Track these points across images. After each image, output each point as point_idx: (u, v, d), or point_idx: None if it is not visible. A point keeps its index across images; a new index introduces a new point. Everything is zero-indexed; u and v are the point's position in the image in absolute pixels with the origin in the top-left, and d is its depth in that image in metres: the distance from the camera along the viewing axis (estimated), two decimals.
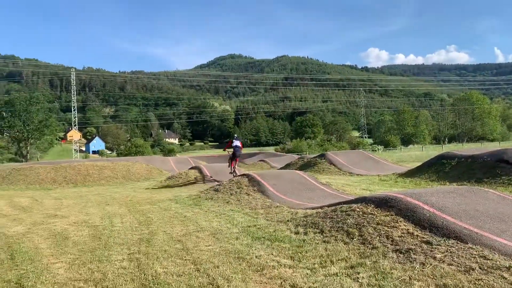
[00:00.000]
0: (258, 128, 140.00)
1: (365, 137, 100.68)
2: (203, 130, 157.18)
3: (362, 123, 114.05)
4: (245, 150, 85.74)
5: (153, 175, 21.74)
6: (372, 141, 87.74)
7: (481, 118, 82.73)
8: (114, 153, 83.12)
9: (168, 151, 64.09)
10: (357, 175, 16.95)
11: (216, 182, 14.16)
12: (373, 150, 49.85)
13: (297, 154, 41.35)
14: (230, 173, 15.69)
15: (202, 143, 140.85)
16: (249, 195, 10.21)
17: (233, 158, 15.84)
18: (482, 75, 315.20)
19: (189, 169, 18.48)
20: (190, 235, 6.66)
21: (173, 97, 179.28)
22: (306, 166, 21.19)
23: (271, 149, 70.34)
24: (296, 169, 19.75)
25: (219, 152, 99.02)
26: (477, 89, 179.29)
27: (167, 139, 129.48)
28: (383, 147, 58.10)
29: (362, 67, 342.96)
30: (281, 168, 23.06)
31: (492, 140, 74.45)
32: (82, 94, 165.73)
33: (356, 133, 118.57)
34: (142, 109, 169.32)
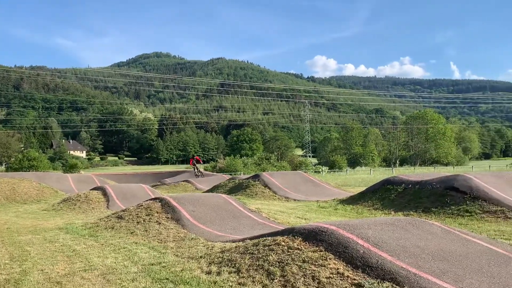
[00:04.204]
0: (186, 141, 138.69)
1: (309, 156, 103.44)
2: (118, 142, 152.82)
3: (306, 140, 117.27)
4: (168, 168, 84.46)
5: (45, 196, 20.64)
6: (316, 161, 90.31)
7: (435, 139, 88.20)
8: (3, 167, 77.86)
9: (70, 167, 61.08)
10: (294, 200, 17.15)
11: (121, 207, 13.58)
12: (316, 172, 51.15)
13: (230, 174, 41.29)
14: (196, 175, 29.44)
15: (116, 158, 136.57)
16: (160, 224, 9.84)
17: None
18: (438, 92, 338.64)
19: (90, 190, 17.64)
20: (74, 275, 6.22)
21: (81, 100, 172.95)
22: (237, 188, 21.13)
23: (200, 168, 69.67)
24: (224, 192, 19.61)
25: (137, 169, 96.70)
26: (432, 107, 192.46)
27: (71, 152, 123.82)
28: (327, 168, 59.84)
29: (308, 77, 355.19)
30: (207, 191, 22.79)
31: (447, 164, 79.47)
32: None
33: (299, 151, 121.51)
34: (42, 113, 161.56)
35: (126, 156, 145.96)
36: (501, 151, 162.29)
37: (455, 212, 11.13)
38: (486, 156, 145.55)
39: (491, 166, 59.10)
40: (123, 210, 11.67)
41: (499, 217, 10.32)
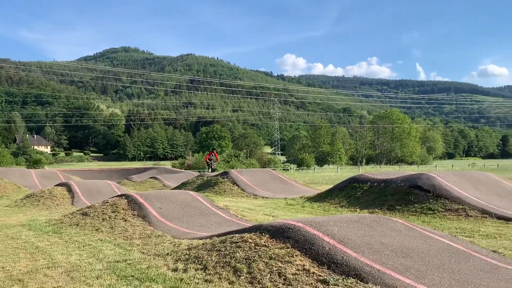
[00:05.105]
0: (154, 138, 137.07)
1: (278, 154, 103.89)
2: (83, 138, 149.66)
3: (275, 138, 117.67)
4: (135, 164, 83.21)
5: (7, 192, 20.02)
6: (285, 159, 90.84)
7: (400, 138, 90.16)
8: None
9: (34, 162, 59.45)
10: (262, 197, 17.21)
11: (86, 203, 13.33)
12: (284, 169, 51.46)
13: (198, 171, 41.07)
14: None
15: (82, 154, 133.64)
16: (126, 221, 9.70)
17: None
18: (404, 92, 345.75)
19: (55, 186, 17.24)
20: (37, 272, 6.07)
21: (47, 94, 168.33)
22: (205, 185, 21.05)
23: (168, 164, 69.19)
24: (193, 189, 19.51)
25: (104, 165, 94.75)
26: (398, 107, 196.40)
27: (35, 147, 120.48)
28: (296, 166, 60.27)
29: (278, 75, 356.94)
30: (175, 188, 22.62)
31: (411, 163, 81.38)
32: None
33: (268, 149, 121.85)
34: (5, 107, 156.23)
35: (92, 152, 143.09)
36: (463, 151, 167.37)
37: (418, 210, 11.39)
38: (450, 155, 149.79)
39: (454, 166, 60.80)
40: (89, 207, 11.46)
41: (461, 215, 10.62)
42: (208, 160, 27.39)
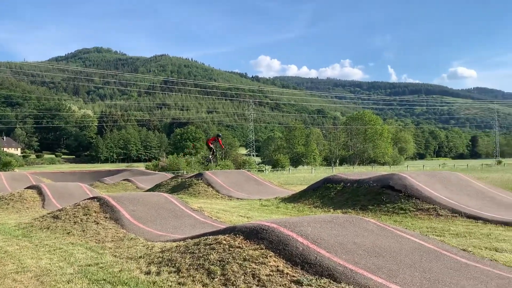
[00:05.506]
0: (127, 139, 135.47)
1: (253, 155, 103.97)
2: (55, 139, 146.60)
3: (250, 139, 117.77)
4: (108, 166, 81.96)
5: None
6: (260, 160, 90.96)
7: (373, 139, 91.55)
8: None
9: (3, 165, 58.00)
10: (237, 199, 17.21)
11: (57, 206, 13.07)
12: (259, 171, 51.54)
13: (173, 173, 40.78)
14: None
15: (53, 156, 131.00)
16: (98, 223, 9.58)
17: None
18: (376, 94, 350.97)
19: (25, 188, 16.85)
20: (6, 277, 5.93)
21: (17, 95, 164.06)
22: (179, 187, 20.94)
23: (142, 166, 68.44)
24: (167, 191, 19.37)
25: (75, 167, 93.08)
26: (371, 108, 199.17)
27: (5, 149, 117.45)
28: (271, 167, 60.43)
29: (252, 76, 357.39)
30: (149, 190, 22.42)
31: (383, 164, 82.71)
32: None
33: (243, 150, 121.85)
34: None
35: (64, 154, 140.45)
36: (434, 151, 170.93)
37: (390, 209, 11.56)
38: (421, 156, 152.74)
39: (425, 166, 62.05)
40: (60, 210, 11.26)
41: (431, 215, 10.82)
42: (210, 145, 23.94)
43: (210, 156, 24.16)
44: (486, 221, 9.84)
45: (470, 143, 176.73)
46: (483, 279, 5.12)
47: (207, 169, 22.10)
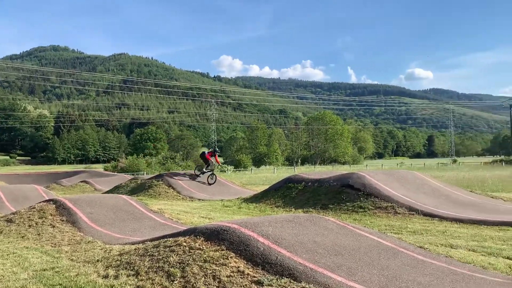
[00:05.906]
0: (85, 140, 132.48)
1: None
2: (9, 140, 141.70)
3: (212, 140, 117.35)
4: (65, 168, 79.81)
5: None
6: (222, 161, 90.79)
7: (333, 139, 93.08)
8: None
9: None
10: (199, 200, 17.08)
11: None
12: (222, 171, 51.37)
13: (132, 174, 40.13)
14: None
15: (8, 157, 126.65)
16: (54, 227, 9.30)
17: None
18: (337, 94, 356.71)
19: None
20: None
21: None
22: (139, 189, 20.59)
23: (100, 167, 67.10)
24: (126, 193, 19.00)
25: (31, 169, 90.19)
26: (331, 109, 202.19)
27: None
28: (233, 167, 60.42)
29: (214, 76, 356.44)
30: (107, 192, 21.96)
31: (344, 163, 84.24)
32: None
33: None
34: None
35: (19, 155, 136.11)
36: (392, 150, 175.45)
37: (350, 208, 11.75)
38: (379, 155, 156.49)
39: (383, 165, 63.56)
40: (14, 213, 10.89)
41: (389, 213, 11.07)
42: (209, 159, 22.40)
43: (205, 169, 21.93)
44: (442, 218, 10.12)
45: (427, 142, 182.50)
46: (439, 275, 5.27)
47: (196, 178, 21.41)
